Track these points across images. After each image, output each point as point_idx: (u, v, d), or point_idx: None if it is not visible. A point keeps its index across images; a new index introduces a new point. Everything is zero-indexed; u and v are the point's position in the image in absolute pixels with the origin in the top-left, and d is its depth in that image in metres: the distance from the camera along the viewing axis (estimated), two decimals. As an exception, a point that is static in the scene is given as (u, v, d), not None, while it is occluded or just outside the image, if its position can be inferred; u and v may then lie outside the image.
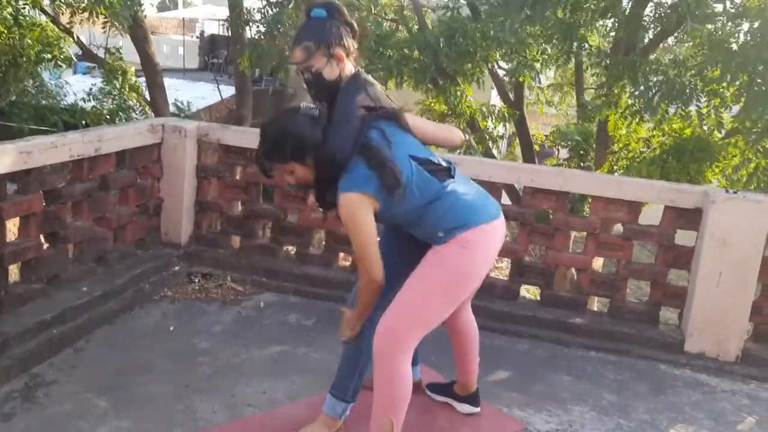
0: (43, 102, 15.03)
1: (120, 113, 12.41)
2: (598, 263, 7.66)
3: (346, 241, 4.44)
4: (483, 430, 3.37)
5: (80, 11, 10.35)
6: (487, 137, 11.57)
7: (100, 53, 12.87)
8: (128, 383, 3.50)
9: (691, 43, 8.85)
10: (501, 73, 12.54)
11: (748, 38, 7.41)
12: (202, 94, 18.38)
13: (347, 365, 3.07)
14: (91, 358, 3.74)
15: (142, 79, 12.54)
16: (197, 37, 28.28)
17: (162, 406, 3.34)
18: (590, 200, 4.79)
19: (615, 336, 4.35)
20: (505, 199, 7.94)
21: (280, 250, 4.98)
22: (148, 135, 4.69)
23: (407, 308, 2.74)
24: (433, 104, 11.44)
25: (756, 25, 7.19)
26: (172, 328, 4.17)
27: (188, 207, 4.95)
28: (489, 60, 9.73)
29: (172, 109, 13.39)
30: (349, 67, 2.92)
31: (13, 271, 3.95)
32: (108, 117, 12.34)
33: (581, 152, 12.17)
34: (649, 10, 8.62)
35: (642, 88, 7.89)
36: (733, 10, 7.59)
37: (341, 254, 4.99)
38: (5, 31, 11.35)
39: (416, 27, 10.85)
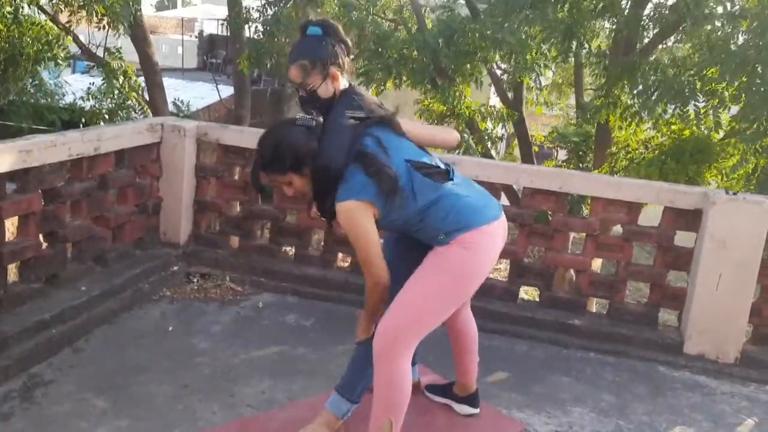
0: (42, 101, 15.01)
1: (120, 113, 12.39)
2: (597, 264, 7.65)
3: (345, 242, 4.45)
4: None
5: (78, 10, 10.35)
6: (486, 138, 11.57)
7: (99, 52, 12.84)
8: (127, 383, 3.49)
9: (690, 44, 8.85)
10: (499, 73, 12.54)
11: (747, 38, 7.42)
12: (201, 94, 18.35)
13: (358, 364, 3.06)
14: (90, 357, 3.73)
15: (141, 79, 12.53)
16: (196, 37, 28.25)
17: (161, 406, 3.33)
18: (589, 201, 4.78)
19: (614, 337, 4.35)
20: (504, 200, 7.93)
21: (278, 250, 4.97)
22: (147, 134, 4.68)
23: (407, 309, 2.74)
24: (431, 104, 11.43)
25: (755, 25, 7.19)
26: (170, 328, 4.16)
27: (187, 207, 4.94)
28: (488, 61, 9.73)
29: (171, 108, 13.38)
30: (343, 83, 2.96)
31: (12, 271, 3.95)
32: (107, 116, 12.33)
33: (580, 153, 12.17)
34: (648, 10, 8.63)
35: (640, 87, 7.89)
36: (734, 10, 7.60)
37: (340, 255, 4.99)
38: (5, 29, 11.33)
39: (415, 27, 10.84)
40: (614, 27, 9.17)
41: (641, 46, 8.91)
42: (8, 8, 11.13)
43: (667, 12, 8.14)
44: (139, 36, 11.76)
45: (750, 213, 4.07)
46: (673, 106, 8.06)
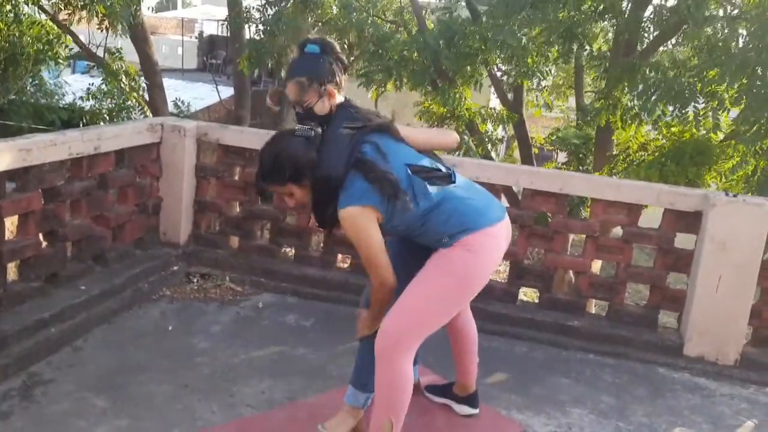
0: (42, 101, 15.01)
1: (120, 113, 12.40)
2: (596, 266, 7.65)
3: (345, 243, 4.45)
4: (482, 432, 3.37)
5: (79, 9, 10.35)
6: (486, 140, 11.56)
7: (99, 52, 12.85)
8: (126, 383, 3.49)
9: (690, 46, 8.85)
10: (499, 74, 12.53)
11: (747, 41, 7.42)
12: (201, 94, 18.34)
13: (366, 358, 3.05)
14: (90, 357, 3.73)
15: (141, 79, 12.54)
16: (196, 38, 28.26)
17: (160, 405, 3.33)
18: (589, 203, 4.78)
19: (614, 339, 4.35)
20: (503, 202, 7.92)
21: (278, 250, 4.97)
22: (148, 134, 4.68)
23: (410, 311, 2.75)
24: (431, 106, 11.42)
25: (755, 27, 7.19)
26: (170, 328, 4.16)
27: (187, 207, 4.94)
28: (489, 63, 9.73)
29: (171, 108, 13.38)
30: (339, 99, 2.99)
31: (12, 269, 3.94)
32: (107, 117, 12.33)
33: (580, 156, 12.16)
34: (649, 12, 8.63)
35: (641, 87, 7.88)
36: (734, 12, 7.60)
37: (339, 256, 4.99)
38: (5, 28, 11.33)
39: (415, 28, 10.84)
40: (614, 28, 9.17)
41: (642, 49, 8.90)
42: (8, 7, 11.12)
43: (667, 14, 8.14)
44: (140, 36, 11.76)
45: (750, 215, 4.07)
46: (672, 108, 8.05)
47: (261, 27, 11.06)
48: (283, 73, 12.19)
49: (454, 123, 10.81)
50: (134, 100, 12.65)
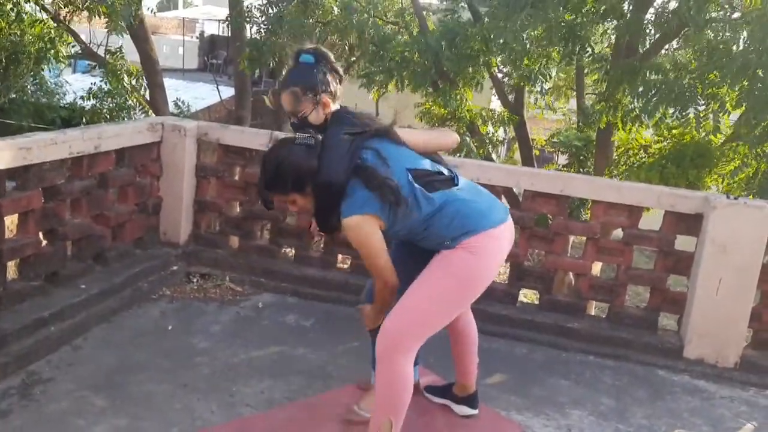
0: (43, 100, 15.01)
1: (121, 112, 12.39)
2: (596, 268, 7.65)
3: (345, 243, 4.45)
4: (481, 433, 3.37)
5: (81, 9, 10.35)
6: (487, 141, 11.56)
7: (100, 52, 12.84)
8: (126, 382, 3.48)
9: (691, 49, 8.85)
10: (500, 76, 12.53)
11: (748, 43, 7.42)
12: (201, 94, 18.32)
13: None
14: (89, 356, 3.72)
15: (142, 79, 12.54)
16: (197, 38, 28.25)
17: (159, 405, 3.32)
18: (590, 205, 4.78)
19: (613, 341, 4.34)
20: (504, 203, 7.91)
21: (278, 251, 4.97)
22: (148, 133, 4.68)
23: (411, 312, 2.75)
24: (432, 108, 11.43)
25: (755, 30, 7.19)
26: (170, 328, 4.16)
27: (187, 206, 4.93)
28: (490, 65, 9.73)
29: (172, 108, 13.37)
30: (334, 107, 2.98)
31: (12, 268, 3.94)
32: (108, 116, 12.32)
33: (581, 158, 12.15)
34: (650, 15, 8.63)
35: (641, 89, 7.89)
36: (735, 14, 7.60)
37: (340, 256, 4.98)
38: (6, 27, 11.33)
39: (417, 30, 10.84)
40: (614, 30, 9.17)
41: (643, 51, 8.91)
42: (9, 5, 11.12)
43: (668, 16, 8.14)
44: (141, 36, 11.76)
45: (751, 218, 4.07)
46: (673, 110, 8.05)
47: (263, 26, 11.05)
48: (283, 73, 12.20)
49: (455, 124, 10.81)
50: (135, 100, 12.64)
